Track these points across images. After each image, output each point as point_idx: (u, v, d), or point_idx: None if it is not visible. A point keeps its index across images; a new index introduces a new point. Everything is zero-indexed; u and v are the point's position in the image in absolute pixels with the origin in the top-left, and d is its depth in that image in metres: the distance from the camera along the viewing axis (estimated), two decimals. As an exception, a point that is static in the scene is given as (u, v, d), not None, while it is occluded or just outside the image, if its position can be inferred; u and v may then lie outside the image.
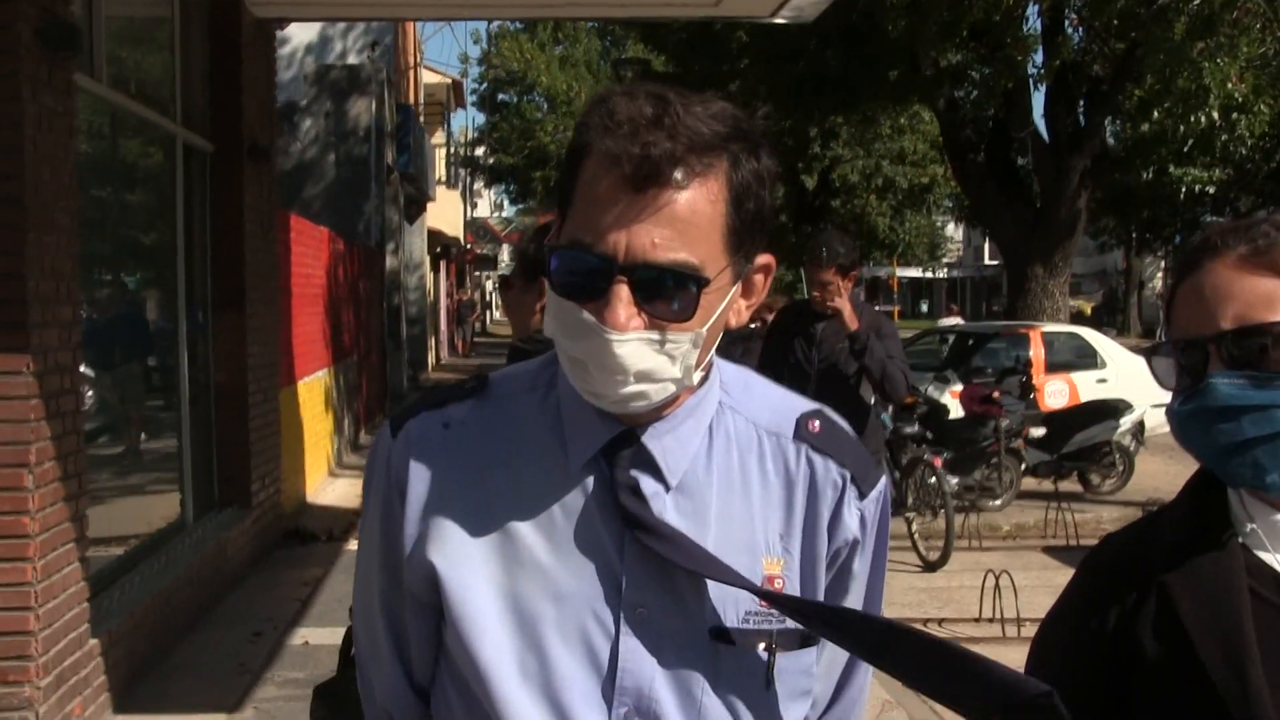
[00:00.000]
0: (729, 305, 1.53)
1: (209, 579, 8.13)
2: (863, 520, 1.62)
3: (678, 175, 1.41)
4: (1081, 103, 18.44)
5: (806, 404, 1.66)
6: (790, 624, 1.56)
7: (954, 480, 10.81)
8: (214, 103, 9.08)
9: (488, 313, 69.87)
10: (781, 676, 1.57)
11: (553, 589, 1.52)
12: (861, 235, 32.25)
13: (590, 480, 1.54)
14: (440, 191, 35.77)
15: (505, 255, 60.69)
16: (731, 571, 1.52)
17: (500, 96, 46.32)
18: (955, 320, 27.71)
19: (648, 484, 1.54)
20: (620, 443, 1.54)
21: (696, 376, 1.53)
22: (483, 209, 64.99)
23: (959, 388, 13.45)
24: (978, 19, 16.12)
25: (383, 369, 21.55)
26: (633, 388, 1.46)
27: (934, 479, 10.08)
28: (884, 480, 1.66)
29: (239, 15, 9.03)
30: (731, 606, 1.54)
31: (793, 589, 1.58)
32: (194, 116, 8.77)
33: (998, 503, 11.88)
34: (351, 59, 22.37)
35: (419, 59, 33.51)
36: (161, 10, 8.30)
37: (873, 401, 6.60)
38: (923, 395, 12.32)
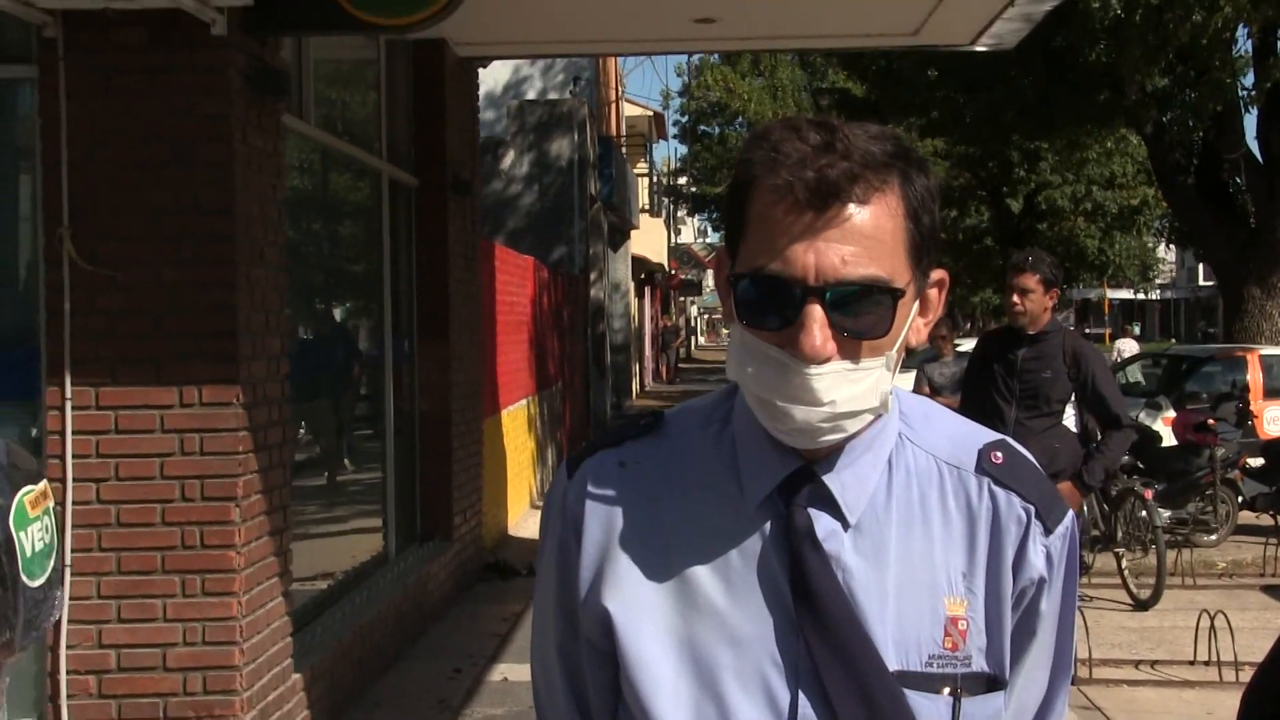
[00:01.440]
0: (910, 325, 1.49)
1: (410, 613, 8.24)
2: (1049, 557, 1.54)
3: (858, 191, 1.39)
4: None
5: (988, 435, 1.59)
6: (975, 668, 1.50)
7: (1166, 514, 10.36)
8: (418, 139, 9.32)
9: (692, 338, 70.26)
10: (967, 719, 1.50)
11: (730, 634, 1.48)
12: (1070, 257, 31.41)
13: (767, 520, 1.50)
14: (644, 219, 36.15)
15: (709, 281, 60.97)
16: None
17: (701, 128, 46.65)
18: (1130, 343, 26.58)
19: (825, 522, 1.49)
20: (798, 479, 1.50)
21: (890, 402, 1.49)
22: (686, 235, 65.37)
23: (1171, 414, 12.96)
24: (1183, 43, 15.61)
25: (586, 397, 21.79)
26: (831, 422, 1.42)
27: (1145, 512, 9.70)
28: (1070, 515, 1.58)
29: (442, 55, 9.27)
30: (914, 650, 1.48)
31: (977, 630, 1.51)
32: (399, 153, 9.02)
33: (1213, 538, 11.34)
34: (553, 94, 22.79)
35: (620, 92, 33.96)
36: (367, 53, 8.57)
37: (1075, 428, 6.40)
38: (1134, 422, 11.89)
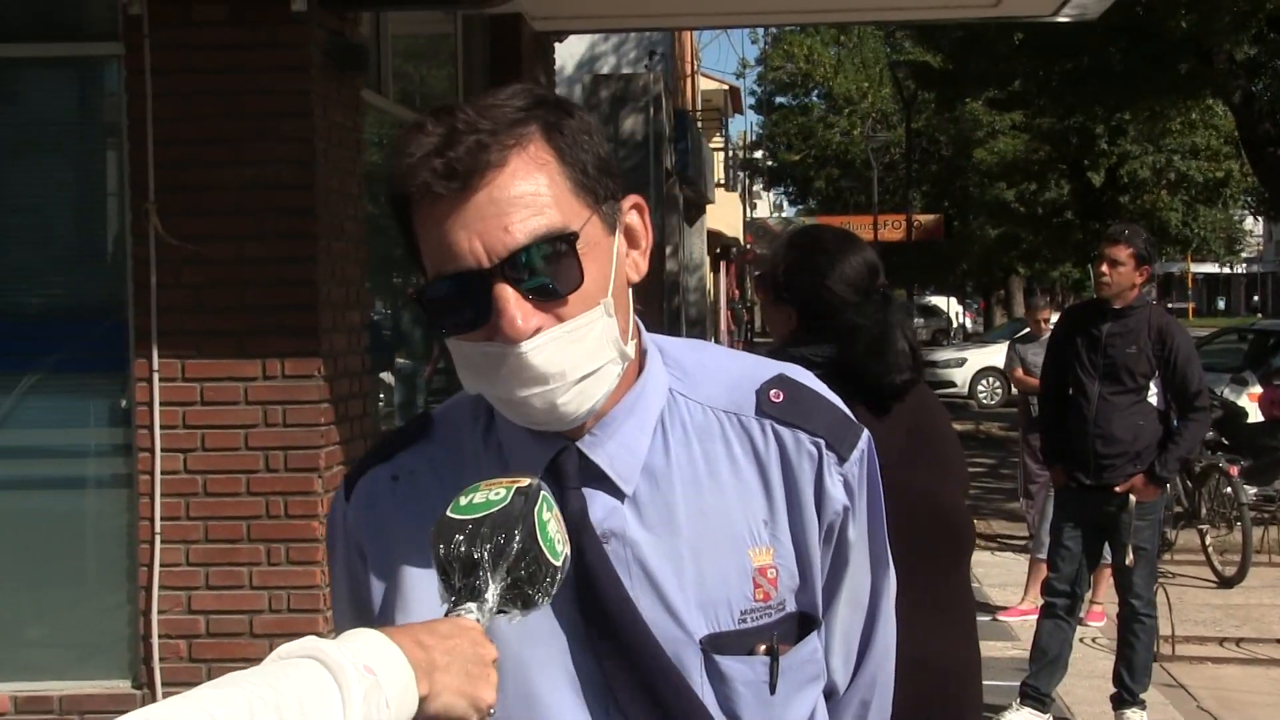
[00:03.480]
0: (619, 261, 1.43)
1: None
2: (848, 485, 1.51)
3: (492, 156, 1.33)
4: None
5: (767, 371, 1.54)
6: (791, 609, 1.48)
7: (1251, 490, 10.21)
8: (495, 114, 9.33)
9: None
10: (786, 675, 1.48)
11: (531, 631, 1.42)
12: (1152, 231, 30.78)
13: None
14: (719, 194, 36.05)
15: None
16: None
17: (778, 99, 46.40)
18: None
19: (602, 500, 1.45)
20: (565, 461, 1.45)
21: (631, 348, 1.43)
22: (762, 210, 65.13)
23: (1258, 390, 12.74)
24: (1275, 9, 15.25)
25: (661, 371, 21.77)
26: (572, 392, 1.37)
27: (1229, 489, 9.57)
28: (864, 436, 1.54)
29: (519, 29, 9.28)
30: (724, 609, 1.45)
31: (788, 574, 1.48)
32: (476, 128, 9.04)
33: (1300, 514, 11.18)
34: (628, 69, 22.77)
35: (696, 66, 33.85)
36: (444, 27, 8.60)
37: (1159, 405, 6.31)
38: (1218, 398, 11.72)
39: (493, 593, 1.30)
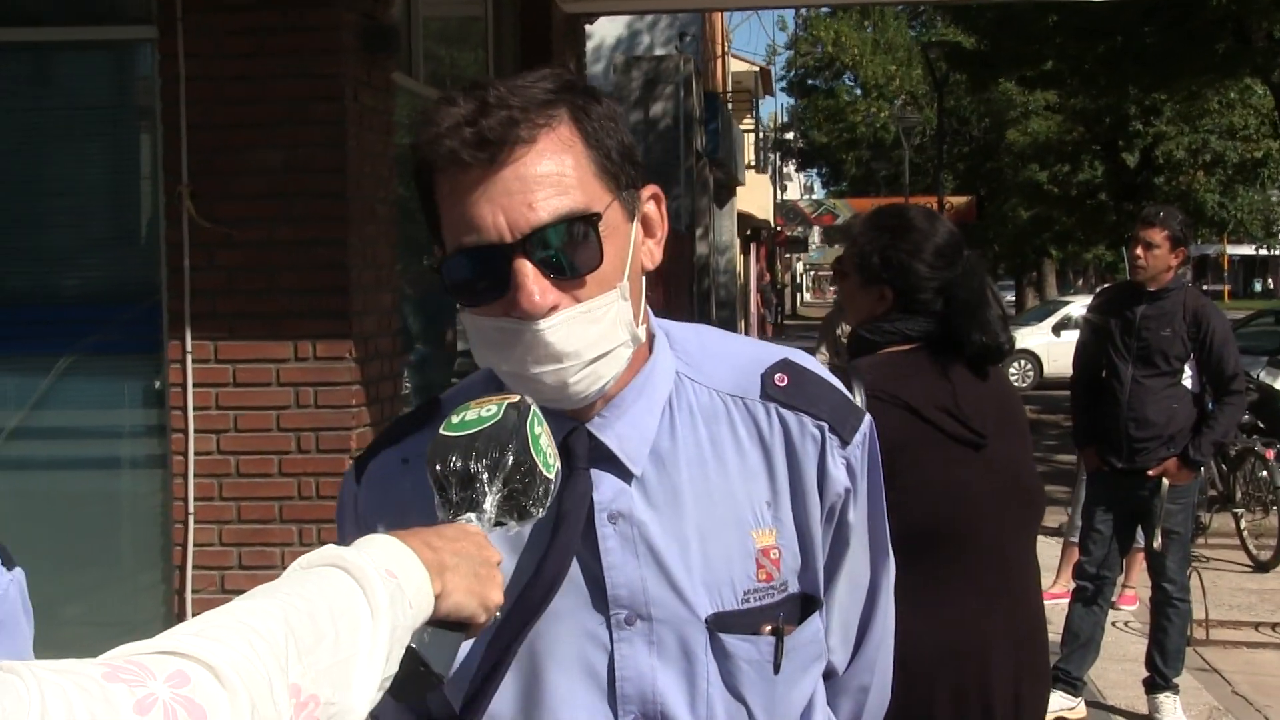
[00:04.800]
0: (635, 247, 1.45)
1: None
2: (850, 468, 1.53)
3: (522, 133, 1.35)
4: None
5: (772, 355, 1.57)
6: (794, 589, 1.51)
7: (1287, 473, 10.13)
8: (525, 96, 9.33)
9: (797, 295, 69.93)
10: (790, 655, 1.50)
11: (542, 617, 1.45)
12: (1188, 212, 30.42)
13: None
14: (750, 176, 35.98)
15: (815, 237, 60.57)
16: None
17: (810, 81, 46.23)
18: None
19: (610, 482, 1.47)
20: (576, 442, 1.47)
21: (642, 332, 1.46)
22: (792, 192, 64.99)
23: (1294, 374, 12.63)
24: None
25: (691, 354, 21.77)
26: (584, 371, 1.39)
27: (1265, 472, 9.50)
28: (866, 419, 1.56)
29: (549, 11, 9.28)
30: (728, 589, 1.48)
31: (791, 555, 1.51)
32: (507, 110, 9.04)
33: (1337, 498, 11.09)
34: (658, 51, 22.72)
35: (726, 48, 33.75)
36: (475, 9, 8.61)
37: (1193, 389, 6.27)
38: (1254, 381, 11.62)
39: (491, 503, 1.33)
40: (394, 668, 1.16)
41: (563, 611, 1.46)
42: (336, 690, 1.08)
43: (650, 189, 1.50)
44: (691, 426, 1.50)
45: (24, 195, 5.98)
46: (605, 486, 1.47)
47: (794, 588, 1.52)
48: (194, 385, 5.55)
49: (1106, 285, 8.18)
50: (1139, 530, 6.17)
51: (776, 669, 1.49)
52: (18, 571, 1.74)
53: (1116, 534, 6.08)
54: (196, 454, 5.54)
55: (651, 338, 1.52)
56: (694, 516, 1.48)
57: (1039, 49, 19.91)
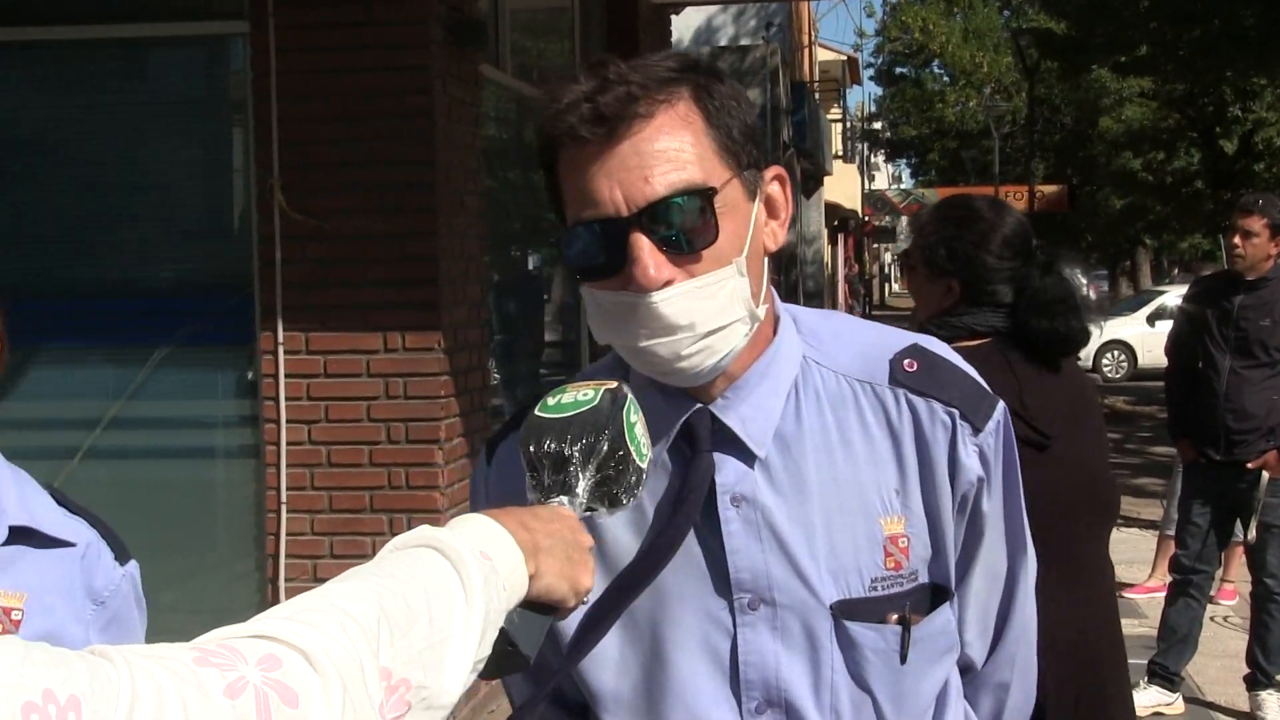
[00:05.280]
0: (756, 226, 1.44)
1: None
2: (983, 456, 1.50)
3: (640, 109, 1.36)
4: None
5: (902, 341, 1.54)
6: (923, 579, 1.48)
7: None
8: (612, 87, 9.34)
9: (886, 285, 69.45)
10: (917, 645, 1.47)
11: (662, 594, 1.46)
12: (1288, 201, 29.80)
13: (679, 471, 1.47)
14: (837, 166, 35.81)
15: (904, 227, 60.12)
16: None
17: (898, 69, 45.85)
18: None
19: (733, 466, 1.46)
20: (699, 424, 1.47)
21: (762, 311, 1.44)
22: (880, 182, 64.48)
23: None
24: None
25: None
26: (698, 344, 1.39)
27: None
28: (1000, 407, 1.53)
29: (635, 2, 9.27)
30: (854, 576, 1.46)
31: (920, 544, 1.49)
32: (593, 101, 9.05)
33: None
34: (744, 41, 22.64)
35: (813, 37, 33.55)
36: (562, 1, 8.62)
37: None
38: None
39: (583, 488, 1.33)
40: (487, 650, 1.16)
41: (686, 594, 1.47)
42: (428, 673, 1.08)
43: (775, 170, 1.50)
44: (818, 411, 1.50)
45: (119, 189, 6.09)
46: (728, 469, 1.47)
47: (924, 577, 1.50)
48: (286, 376, 5.62)
49: (1204, 274, 8.00)
50: (1238, 524, 6.06)
51: (903, 659, 1.47)
52: (131, 565, 1.77)
53: (1214, 527, 5.98)
54: (288, 444, 5.61)
55: (776, 320, 1.52)
56: (819, 502, 1.47)
57: (1132, 34, 19.57)
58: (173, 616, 5.92)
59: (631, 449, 1.34)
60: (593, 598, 1.40)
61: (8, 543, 1.64)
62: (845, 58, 41.35)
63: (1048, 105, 35.80)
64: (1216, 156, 29.02)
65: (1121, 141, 33.05)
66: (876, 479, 1.48)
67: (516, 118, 7.89)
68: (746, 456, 1.47)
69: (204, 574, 6.04)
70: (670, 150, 1.37)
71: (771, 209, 1.49)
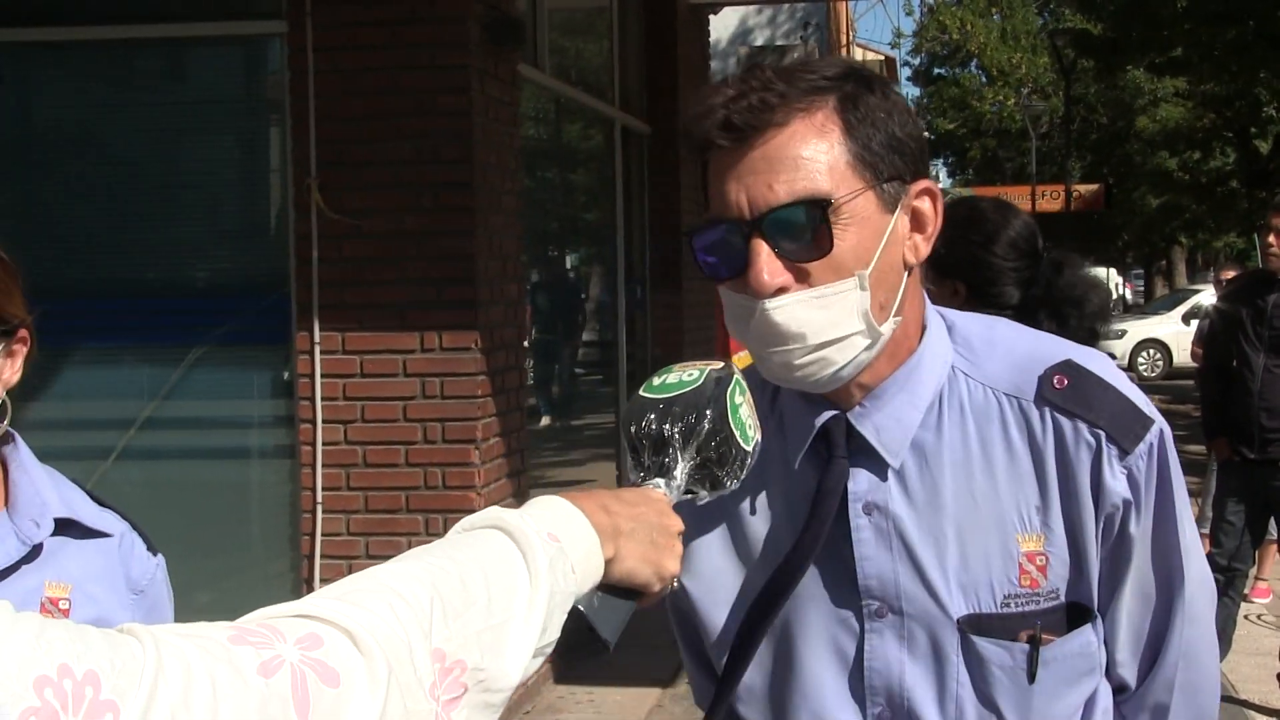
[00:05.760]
0: (893, 239, 1.42)
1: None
2: (1131, 479, 1.45)
3: (776, 116, 1.37)
4: None
5: (1057, 354, 1.50)
6: (1060, 600, 1.45)
7: None
8: (650, 87, 9.34)
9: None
10: (1049, 665, 1.45)
11: (794, 594, 1.49)
12: (1327, 202, 29.58)
13: (815, 475, 1.48)
14: (873, 167, 35.61)
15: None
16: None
17: (936, 70, 45.68)
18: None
19: (864, 477, 1.47)
20: (836, 430, 1.47)
21: (888, 327, 1.43)
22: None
23: None
24: None
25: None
26: (811, 356, 1.39)
27: None
28: (1154, 429, 1.47)
29: (674, 2, 9.25)
30: (986, 592, 1.45)
31: (1060, 563, 1.46)
32: (631, 101, 9.05)
33: None
34: (782, 41, 22.57)
35: (851, 37, 33.46)
36: (600, 1, 8.60)
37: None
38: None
39: (681, 470, 1.32)
40: (554, 634, 1.13)
41: (816, 596, 1.49)
42: (486, 655, 1.05)
43: (923, 184, 1.47)
44: (960, 424, 1.49)
45: (156, 188, 6.09)
46: (861, 477, 1.48)
47: (1063, 597, 1.47)
48: (322, 376, 5.61)
49: (1235, 274, 7.97)
50: (1272, 522, 6.06)
51: (1031, 678, 1.45)
52: (160, 557, 1.82)
53: (1248, 525, 6.03)
54: (324, 444, 5.60)
55: (923, 330, 1.51)
56: (953, 515, 1.46)
57: (1168, 35, 19.46)
58: (208, 617, 5.90)
59: (735, 431, 1.33)
60: (726, 587, 1.50)
61: (51, 535, 1.68)
62: (884, 58, 41.16)
63: (1084, 105, 35.61)
64: (1251, 156, 28.81)
65: (1157, 141, 32.88)
66: (1016, 495, 1.46)
67: (554, 117, 7.88)
68: (880, 465, 1.47)
69: (239, 574, 6.04)
70: (799, 158, 1.38)
71: (918, 223, 1.47)
